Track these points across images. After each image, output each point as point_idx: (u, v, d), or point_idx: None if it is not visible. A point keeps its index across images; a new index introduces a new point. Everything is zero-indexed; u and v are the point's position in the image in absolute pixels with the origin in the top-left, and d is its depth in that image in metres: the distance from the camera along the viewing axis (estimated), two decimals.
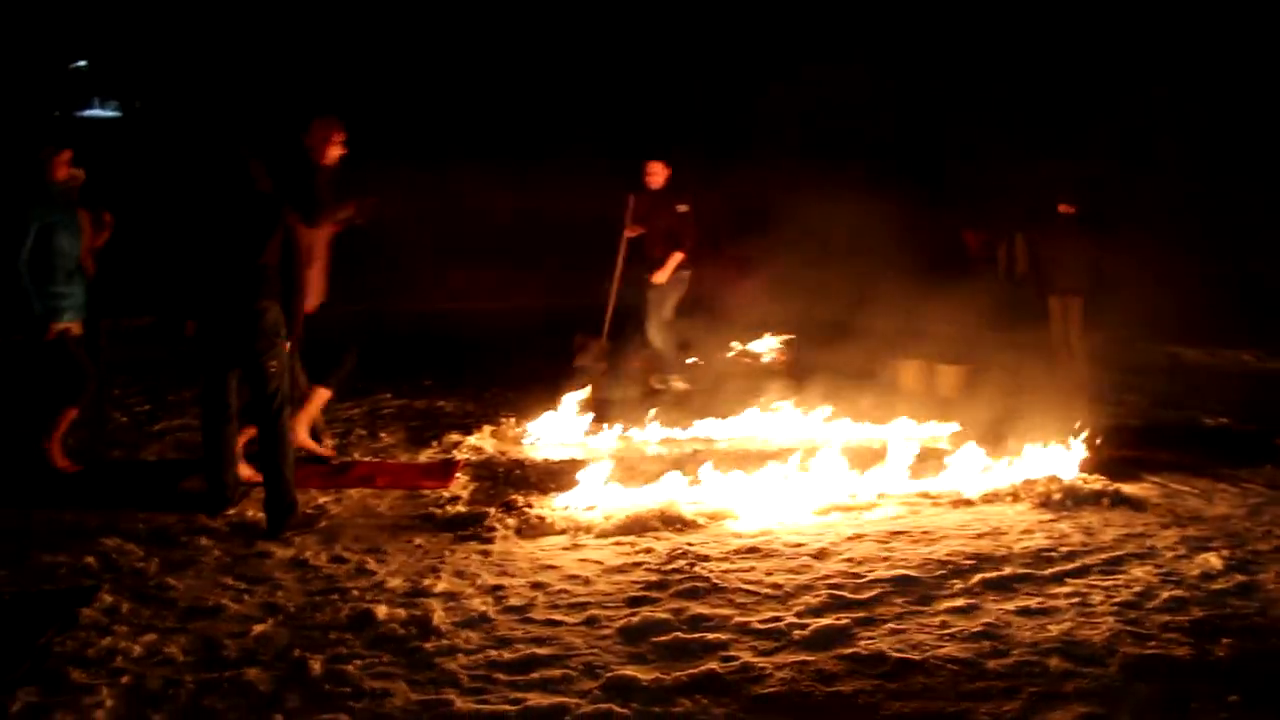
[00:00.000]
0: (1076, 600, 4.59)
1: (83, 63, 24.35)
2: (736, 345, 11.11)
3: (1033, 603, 4.56)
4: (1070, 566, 5.02)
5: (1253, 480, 6.59)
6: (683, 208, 9.38)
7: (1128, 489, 6.27)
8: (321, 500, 6.09)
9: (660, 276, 9.36)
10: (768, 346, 11.10)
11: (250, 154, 5.75)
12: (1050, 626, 4.30)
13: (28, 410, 6.75)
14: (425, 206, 15.24)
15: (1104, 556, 5.16)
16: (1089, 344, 9.81)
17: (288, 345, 5.77)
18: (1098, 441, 6.86)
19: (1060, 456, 6.64)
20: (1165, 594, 4.65)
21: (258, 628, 4.27)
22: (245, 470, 6.17)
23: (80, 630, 4.20)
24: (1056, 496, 6.05)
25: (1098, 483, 6.26)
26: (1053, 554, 5.19)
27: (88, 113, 24.21)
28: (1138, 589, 4.72)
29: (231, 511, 5.79)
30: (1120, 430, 7.71)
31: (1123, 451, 7.13)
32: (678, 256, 9.35)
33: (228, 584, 4.78)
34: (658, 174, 9.47)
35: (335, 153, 6.56)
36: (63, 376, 6.49)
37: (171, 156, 6.40)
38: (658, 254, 9.44)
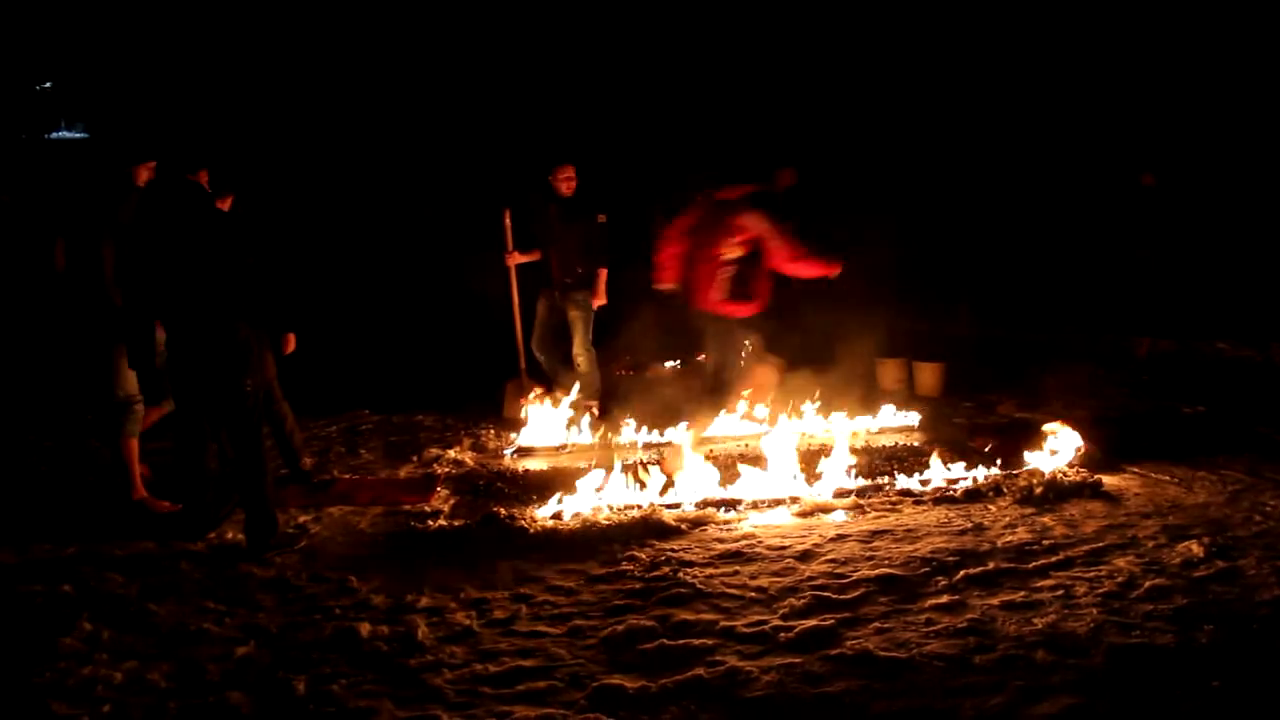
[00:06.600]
0: (1060, 592, 4.62)
1: (48, 84, 24.19)
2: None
3: (1017, 597, 4.58)
4: (1054, 559, 5.05)
5: (1231, 467, 6.63)
6: (602, 218, 8.63)
7: (1108, 480, 6.31)
8: (302, 519, 6.05)
9: (600, 300, 8.70)
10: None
11: (199, 170, 5.76)
12: (1035, 619, 4.32)
13: None
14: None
15: (1086, 548, 5.19)
16: None
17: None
18: (1077, 433, 6.87)
19: (1041, 451, 6.67)
20: (1148, 583, 4.68)
21: (240, 650, 4.25)
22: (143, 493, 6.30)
23: (60, 660, 4.16)
24: (1038, 490, 6.07)
25: (1078, 475, 6.29)
26: (1036, 547, 5.21)
27: (55, 135, 24.03)
28: (1121, 579, 4.74)
29: (212, 535, 5.75)
30: (1098, 422, 7.73)
31: (1102, 443, 7.16)
32: (604, 274, 8.67)
33: (209, 607, 4.74)
34: (572, 179, 8.61)
35: None
36: None
37: (134, 178, 6.24)
38: (579, 270, 8.65)
